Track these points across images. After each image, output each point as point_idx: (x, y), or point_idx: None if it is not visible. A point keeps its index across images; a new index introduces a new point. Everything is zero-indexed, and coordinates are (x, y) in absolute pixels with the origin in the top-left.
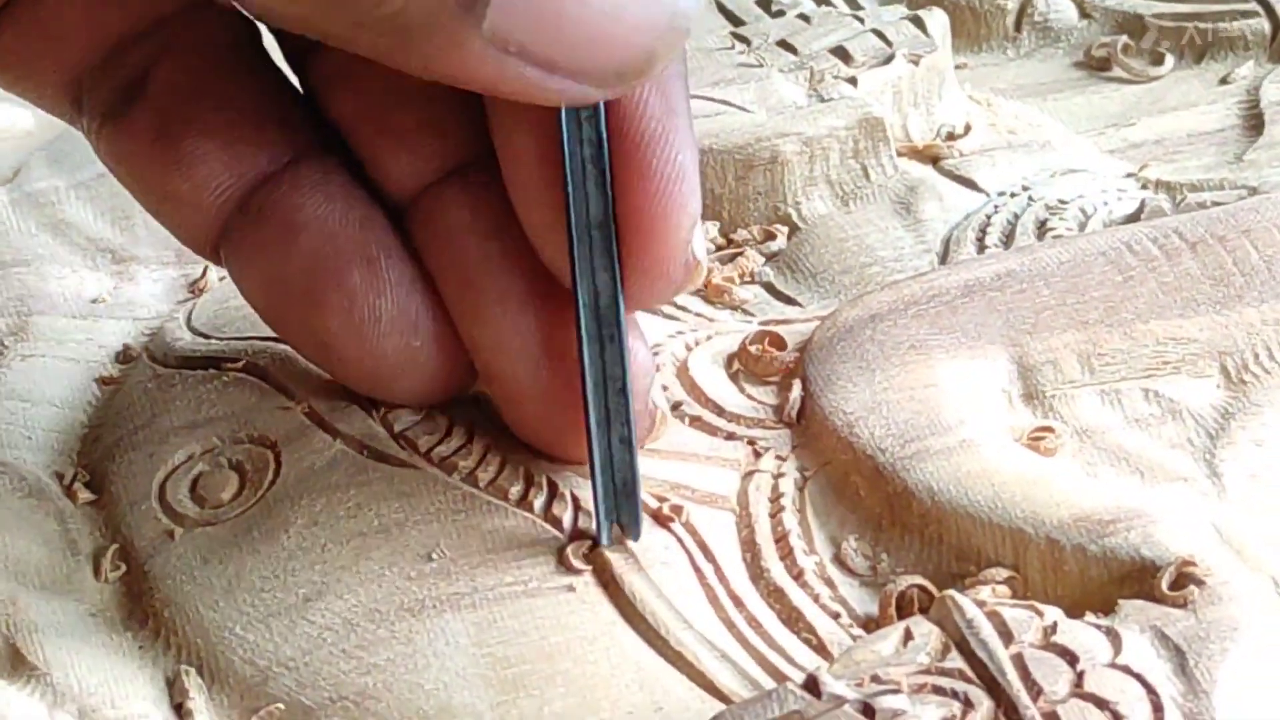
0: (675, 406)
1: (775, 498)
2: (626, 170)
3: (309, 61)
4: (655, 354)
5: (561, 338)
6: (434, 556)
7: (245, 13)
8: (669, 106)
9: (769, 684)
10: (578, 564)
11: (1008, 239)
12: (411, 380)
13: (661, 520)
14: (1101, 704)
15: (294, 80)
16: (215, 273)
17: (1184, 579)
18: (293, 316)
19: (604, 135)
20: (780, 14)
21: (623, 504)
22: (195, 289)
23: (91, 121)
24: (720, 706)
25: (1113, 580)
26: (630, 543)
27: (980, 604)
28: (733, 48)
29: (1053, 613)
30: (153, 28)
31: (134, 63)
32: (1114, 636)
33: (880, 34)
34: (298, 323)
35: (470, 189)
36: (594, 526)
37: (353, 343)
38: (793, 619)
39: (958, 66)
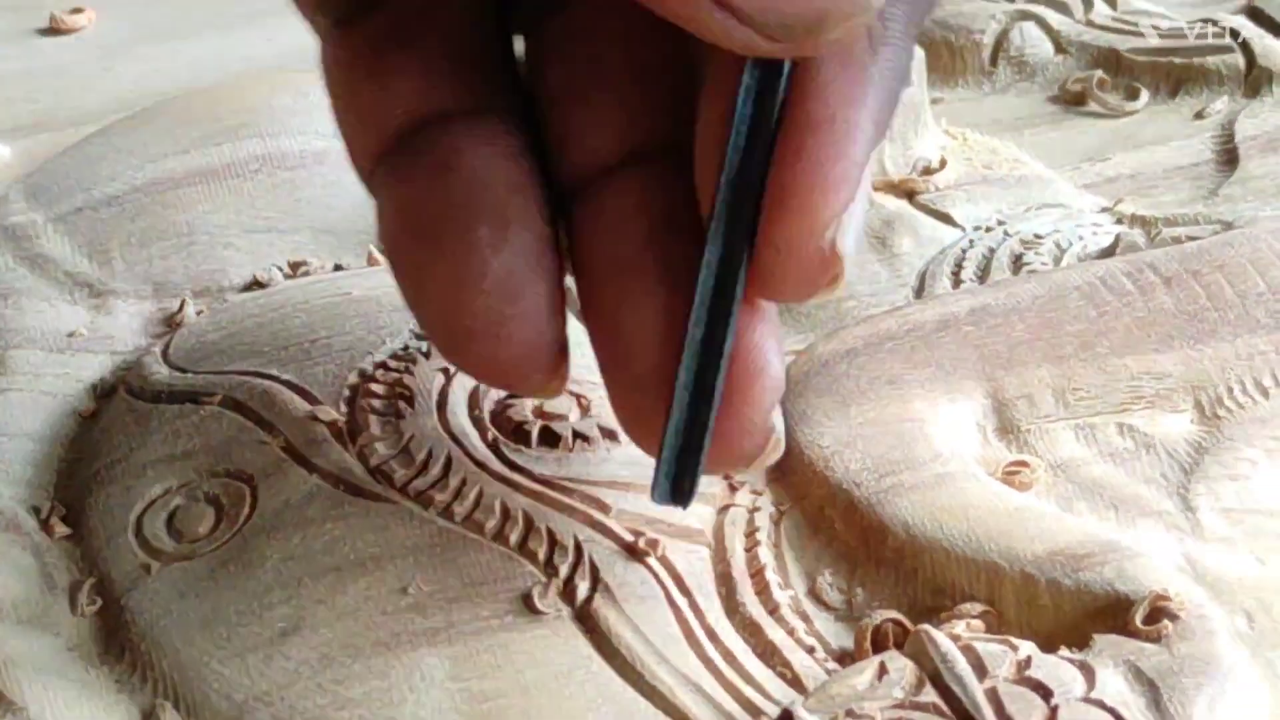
0: None
1: (751, 532)
2: (785, 144)
3: (535, 27)
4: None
5: None
6: (410, 591)
7: None
8: (849, 95)
9: (744, 718)
10: (543, 607)
11: (983, 274)
12: (488, 349)
13: (637, 554)
14: None
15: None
16: (192, 307)
17: (1158, 613)
18: (407, 252)
19: (778, 105)
20: None
21: (685, 472)
22: (172, 323)
23: (324, 22)
24: None
25: (1087, 614)
26: (607, 579)
27: (955, 638)
28: None
29: (1027, 647)
30: None
31: None
32: (1088, 671)
33: None
34: (408, 260)
35: (653, 176)
36: (652, 483)
37: (449, 292)
38: (768, 653)
39: (934, 101)
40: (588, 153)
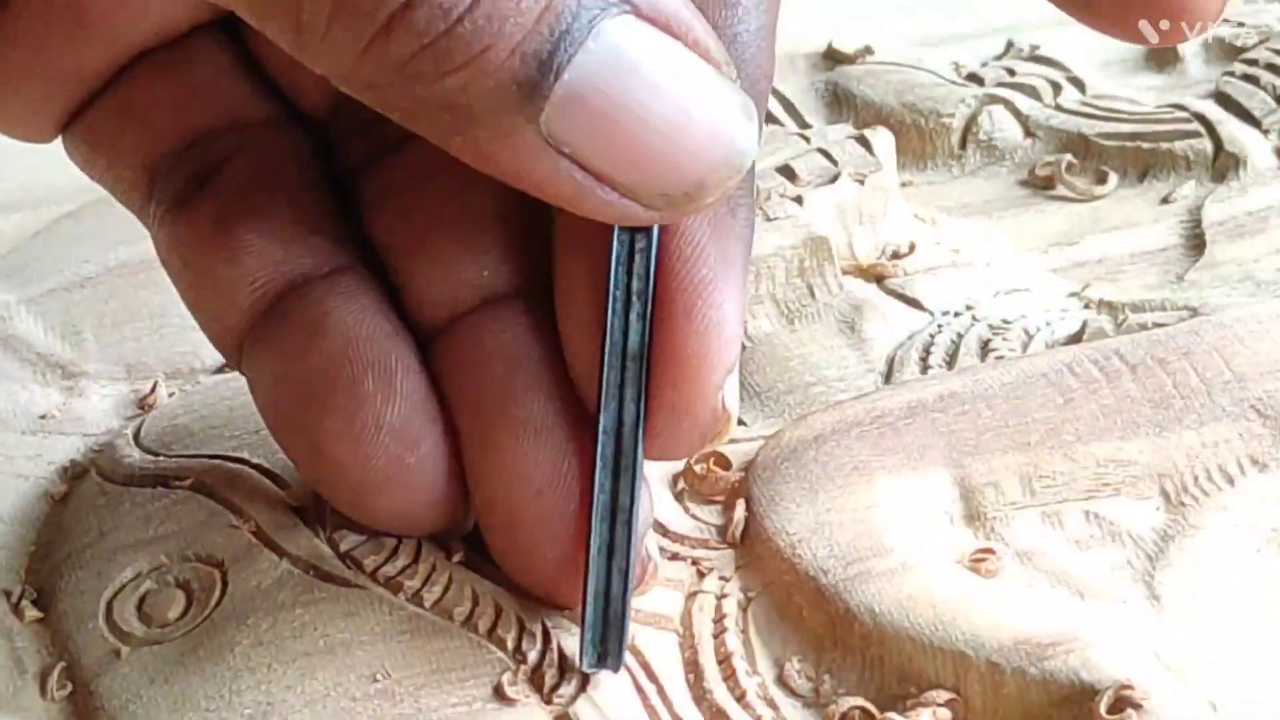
0: None
1: (718, 618)
2: (668, 308)
3: (361, 180)
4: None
5: (571, 475)
6: (379, 677)
7: (321, 73)
8: (723, 255)
9: None
10: (513, 694)
11: (951, 359)
12: (395, 498)
13: None
14: None
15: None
16: (164, 389)
17: (1122, 702)
18: (295, 417)
19: (653, 269)
20: None
21: (611, 634)
22: (144, 405)
23: (158, 208)
24: None
25: (1052, 703)
26: (587, 669)
27: None
28: None
29: None
30: (232, 129)
31: (209, 156)
32: None
33: (826, 153)
34: (298, 424)
35: (503, 317)
36: (578, 650)
37: (347, 447)
38: None
39: (903, 184)
40: (437, 303)
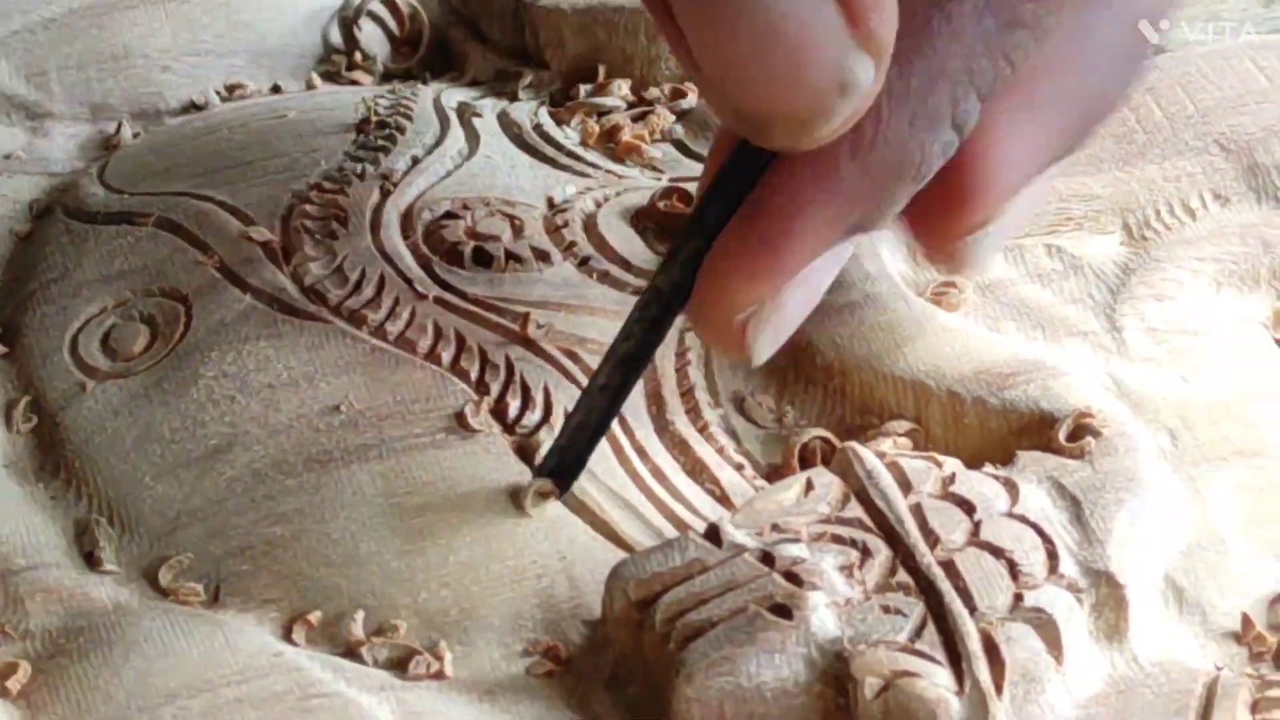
0: (583, 262)
1: (681, 351)
2: (737, 215)
3: None
4: None
5: None
6: (342, 408)
7: None
8: (808, 197)
9: (672, 533)
10: (476, 425)
11: None
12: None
13: (568, 374)
14: (997, 552)
15: None
16: (129, 129)
17: (1081, 430)
18: None
19: (755, 174)
20: None
21: (573, 462)
22: (109, 145)
23: None
24: (624, 555)
25: (1012, 432)
26: (538, 397)
27: (881, 455)
28: None
29: (951, 464)
30: None
31: None
32: (1011, 486)
33: None
34: None
35: None
36: (540, 455)
37: None
38: (697, 470)
39: None
40: None
